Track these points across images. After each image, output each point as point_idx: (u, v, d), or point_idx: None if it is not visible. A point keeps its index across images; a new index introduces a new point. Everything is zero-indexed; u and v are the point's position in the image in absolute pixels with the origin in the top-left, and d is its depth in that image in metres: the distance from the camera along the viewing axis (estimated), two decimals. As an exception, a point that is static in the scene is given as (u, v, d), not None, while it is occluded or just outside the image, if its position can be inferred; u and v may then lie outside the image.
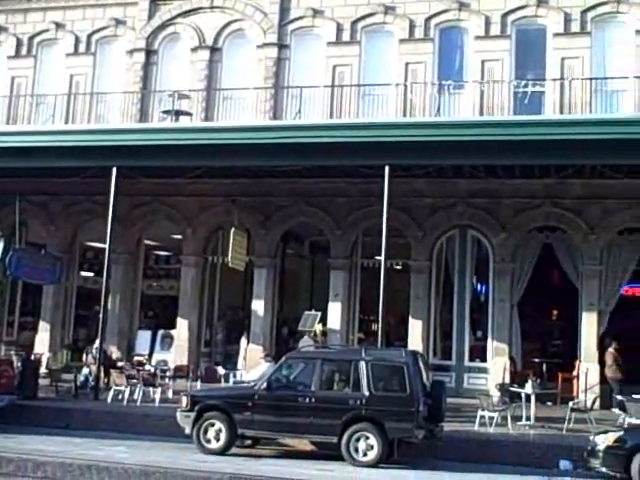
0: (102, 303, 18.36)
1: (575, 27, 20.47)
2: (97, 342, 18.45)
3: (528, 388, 16.46)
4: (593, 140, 15.84)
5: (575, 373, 19.24)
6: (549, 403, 18.51)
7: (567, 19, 20.51)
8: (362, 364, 13.89)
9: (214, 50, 22.40)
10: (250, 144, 17.29)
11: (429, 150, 16.56)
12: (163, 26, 23.07)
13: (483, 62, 20.74)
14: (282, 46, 21.93)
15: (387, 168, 16.63)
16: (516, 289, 20.09)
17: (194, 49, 22.64)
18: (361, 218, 20.43)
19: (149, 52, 23.01)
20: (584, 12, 20.46)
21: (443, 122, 17.85)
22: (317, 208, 20.81)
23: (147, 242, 23.15)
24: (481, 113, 20.01)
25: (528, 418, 16.30)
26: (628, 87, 19.68)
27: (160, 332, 22.05)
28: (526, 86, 19.83)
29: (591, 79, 19.79)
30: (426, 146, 16.49)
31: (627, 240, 19.95)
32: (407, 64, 21.01)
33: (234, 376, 18.27)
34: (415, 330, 19.94)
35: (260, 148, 17.27)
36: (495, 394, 17.14)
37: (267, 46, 22.00)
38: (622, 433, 13.57)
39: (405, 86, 20.49)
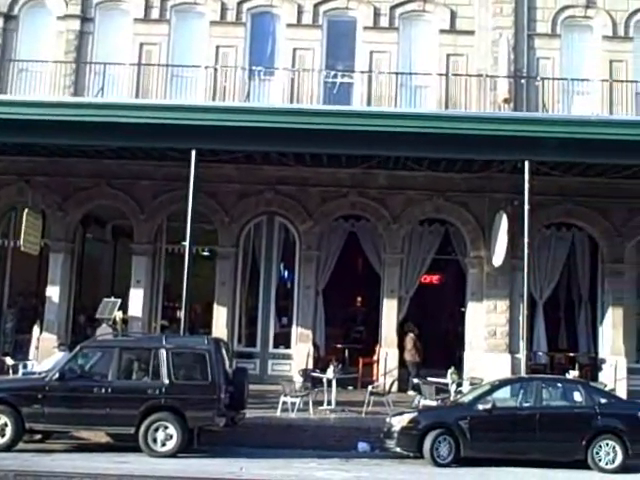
0: None
1: (384, 22, 20.98)
2: None
3: (329, 373, 16.78)
4: (397, 133, 16.31)
5: (375, 358, 19.86)
6: (350, 387, 19.04)
7: (377, 14, 20.97)
8: (162, 352, 13.66)
9: (9, 18, 20.69)
10: (47, 120, 16.17)
11: (238, 135, 16.35)
12: (-51, -11, 21.17)
13: (295, 50, 20.74)
14: (85, 19, 20.70)
15: (194, 152, 16.28)
16: (321, 276, 20.40)
17: (-15, 16, 20.93)
18: (167, 202, 19.83)
19: None
20: (393, 8, 21.02)
21: (252, 108, 17.65)
22: (120, 190, 19.93)
23: None
24: (291, 101, 20.04)
25: (329, 402, 16.61)
26: (431, 84, 20.46)
27: (-60, 323, 20.32)
28: (335, 76, 20.10)
29: (397, 74, 20.38)
30: (235, 131, 16.27)
31: (427, 230, 20.80)
32: (218, 47, 20.58)
33: (24, 367, 17.06)
34: (220, 317, 19.70)
35: (58, 125, 16.21)
36: (298, 380, 17.29)
37: (69, 18, 20.67)
38: (416, 414, 14.17)
39: (215, 69, 20.10)
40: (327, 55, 20.90)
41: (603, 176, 18.73)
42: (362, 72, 20.41)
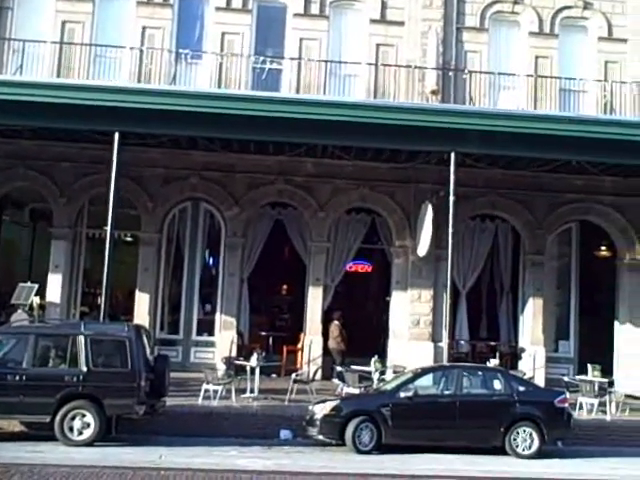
0: None
1: (315, 10, 20.85)
2: None
3: (253, 361, 16.66)
4: (325, 121, 16.24)
5: (300, 346, 19.83)
6: (274, 375, 18.96)
7: (307, 1, 20.81)
8: (81, 339, 13.39)
9: None
10: (-39, 98, 15.55)
11: (163, 119, 16.06)
12: None
13: (223, 34, 20.44)
14: (3, -6, 20.07)
15: (117, 135, 15.91)
16: (247, 264, 20.28)
17: None
18: (88, 186, 19.32)
19: None
20: (324, -5, 20.94)
21: (178, 91, 17.28)
22: (39, 173, 19.29)
23: None
24: (219, 85, 19.76)
25: (252, 390, 16.51)
26: (361, 73, 20.46)
27: None
28: (264, 62, 19.90)
29: (326, 62, 20.30)
30: (160, 115, 15.98)
31: (354, 219, 20.87)
32: (144, 28, 20.12)
33: None
34: (142, 304, 19.36)
35: (-28, 104, 15.61)
36: (221, 367, 17.12)
37: (-13, -8, 20.00)
38: (338, 402, 14.20)
39: (141, 51, 19.64)
40: (256, 41, 20.68)
41: (526, 169, 19.09)
42: (291, 59, 20.28)
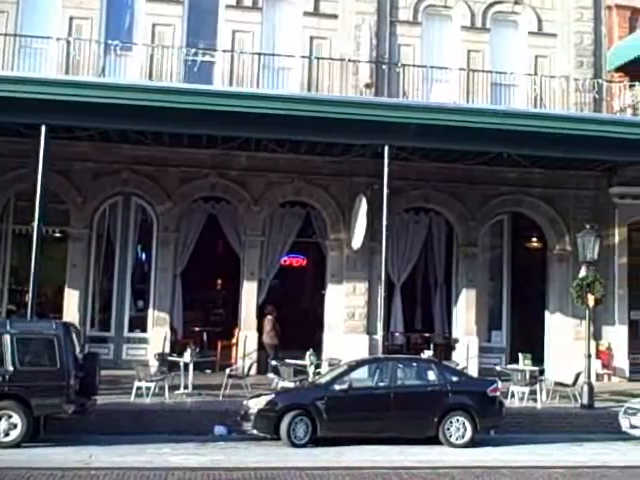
0: None
1: (247, 1, 20.63)
2: None
3: (186, 357, 16.47)
4: (258, 114, 16.10)
5: (234, 340, 19.71)
6: (208, 371, 18.83)
7: (240, -8, 20.64)
8: (6, 338, 13.04)
9: None
10: None
11: (91, 112, 15.70)
12: None
13: (154, 25, 20.05)
14: None
15: (44, 128, 15.48)
16: (180, 259, 20.04)
17: None
18: (14, 180, 18.75)
19: None
20: (256, -13, 20.73)
21: (106, 83, 16.89)
22: (-39, 168, 18.75)
23: None
24: (150, 78, 19.35)
25: (186, 386, 16.36)
26: (294, 66, 20.34)
27: None
28: (196, 55, 19.56)
29: (260, 54, 20.12)
30: (88, 108, 15.61)
31: (289, 212, 20.80)
32: (71, 18, 19.57)
33: None
34: (71, 301, 18.95)
35: None
36: (154, 364, 16.89)
37: None
38: (273, 396, 14.12)
39: (68, 42, 19.11)
40: (188, 32, 20.34)
41: (459, 162, 19.29)
42: (224, 51, 20.03)
